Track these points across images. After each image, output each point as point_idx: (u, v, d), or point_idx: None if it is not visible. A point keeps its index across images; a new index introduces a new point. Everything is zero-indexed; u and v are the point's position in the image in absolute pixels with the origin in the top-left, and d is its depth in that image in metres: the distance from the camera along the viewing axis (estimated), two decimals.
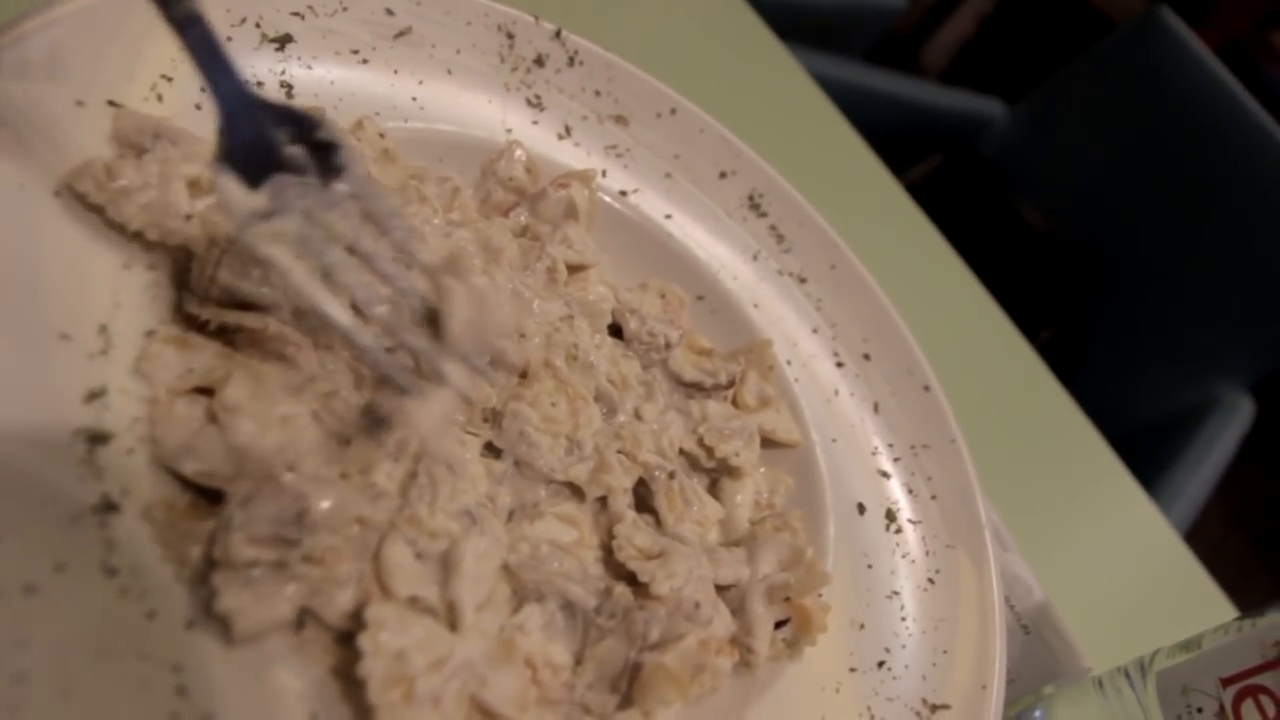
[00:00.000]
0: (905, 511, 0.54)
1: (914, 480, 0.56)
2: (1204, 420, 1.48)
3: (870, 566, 0.52)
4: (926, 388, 0.58)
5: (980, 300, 0.98)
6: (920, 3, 2.73)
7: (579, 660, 0.41)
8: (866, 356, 0.59)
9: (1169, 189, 1.55)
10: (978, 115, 1.67)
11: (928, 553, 0.53)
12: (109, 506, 0.35)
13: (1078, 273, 1.52)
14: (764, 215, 0.61)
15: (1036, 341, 0.99)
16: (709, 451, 0.51)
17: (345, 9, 0.52)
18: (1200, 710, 0.48)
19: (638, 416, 0.51)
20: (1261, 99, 1.49)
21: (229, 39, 0.48)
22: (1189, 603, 0.83)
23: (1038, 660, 0.58)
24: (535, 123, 0.57)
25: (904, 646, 0.49)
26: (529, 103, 0.58)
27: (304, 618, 0.36)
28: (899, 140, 1.33)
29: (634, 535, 0.46)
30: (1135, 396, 1.53)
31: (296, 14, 0.51)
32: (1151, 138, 1.55)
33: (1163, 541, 0.87)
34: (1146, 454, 1.22)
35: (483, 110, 0.56)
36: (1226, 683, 0.48)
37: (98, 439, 0.36)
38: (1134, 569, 0.82)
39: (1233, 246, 1.50)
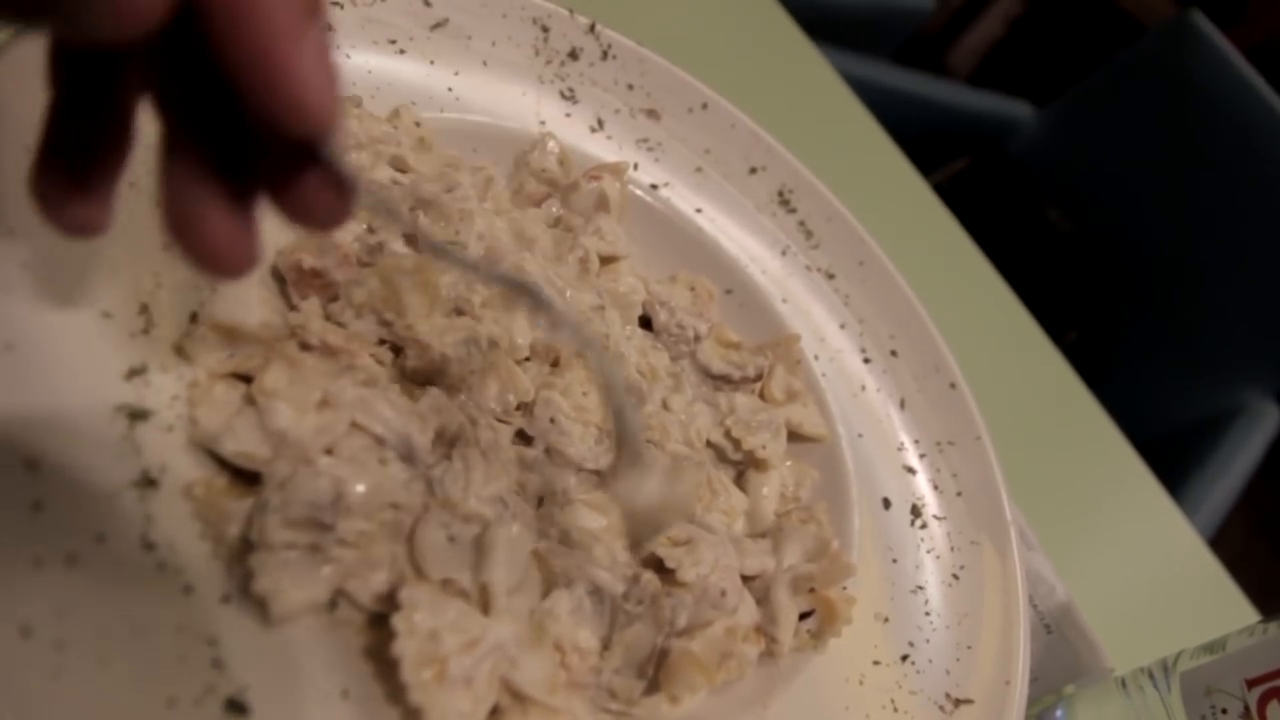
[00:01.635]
0: (930, 507, 0.54)
1: (939, 476, 0.56)
2: (1229, 427, 1.47)
3: (895, 561, 0.52)
4: (952, 385, 0.58)
5: (1006, 301, 0.97)
6: (949, 4, 2.73)
7: (606, 645, 0.42)
8: (893, 353, 0.59)
9: (1198, 193, 1.54)
10: (1006, 117, 1.66)
11: (953, 548, 0.53)
12: (148, 482, 0.35)
13: (1104, 275, 1.52)
14: (793, 211, 0.62)
15: (1062, 343, 0.99)
16: (736, 444, 0.51)
17: None
18: (1225, 711, 0.48)
19: (665, 407, 0.51)
20: None
21: None
22: (1212, 606, 0.82)
23: (1060, 659, 0.58)
24: (568, 115, 0.58)
25: (928, 641, 0.49)
26: (562, 95, 0.58)
27: (337, 598, 0.37)
28: (927, 141, 1.33)
29: None
30: (1160, 400, 1.52)
31: (336, 3, 0.51)
32: (1181, 142, 1.54)
33: (1186, 545, 0.86)
34: (1171, 458, 1.22)
35: (517, 102, 0.56)
36: (1251, 684, 0.48)
37: (138, 415, 0.37)
38: (1157, 572, 0.81)
39: (1262, 252, 1.50)
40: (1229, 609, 0.83)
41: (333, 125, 0.25)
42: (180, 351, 0.39)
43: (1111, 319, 1.27)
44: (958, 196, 1.16)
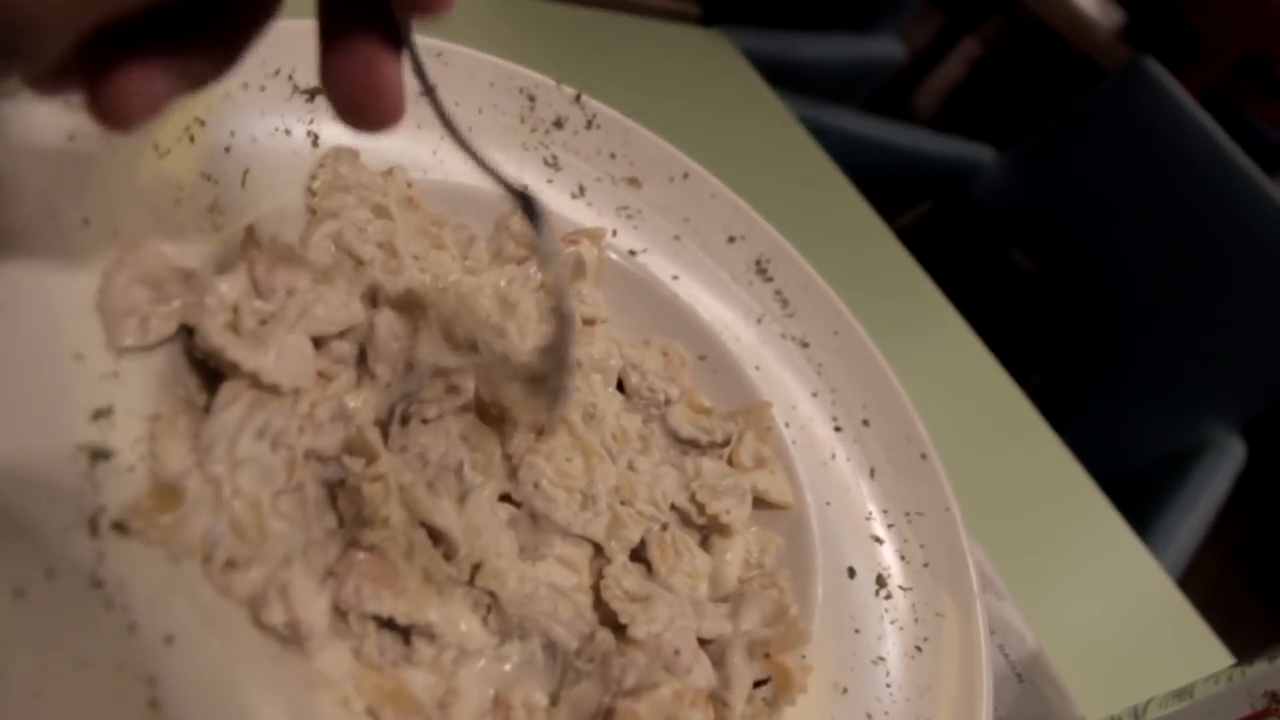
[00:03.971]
0: (896, 577, 0.54)
1: (907, 547, 0.56)
2: (1196, 462, 1.51)
3: (857, 631, 0.52)
4: (923, 455, 0.58)
5: (971, 346, 0.99)
6: (911, 47, 2.85)
7: (554, 702, 0.42)
8: (865, 422, 0.60)
9: (1158, 234, 1.64)
10: (969, 161, 1.74)
11: (917, 620, 0.53)
12: (102, 519, 0.36)
13: (1069, 316, 1.56)
14: (770, 280, 0.63)
15: (1028, 385, 1.00)
16: (700, 508, 0.52)
17: None
18: None
19: (632, 468, 0.51)
20: (1243, 142, 1.59)
21: (262, 88, 0.51)
22: (1182, 648, 0.82)
23: (1032, 709, 0.58)
24: (550, 181, 0.59)
25: (886, 713, 0.49)
26: (545, 162, 0.60)
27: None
28: (892, 185, 1.39)
29: (622, 578, 0.46)
30: (1127, 439, 1.60)
31: None
32: (1141, 184, 1.64)
33: (1156, 586, 0.86)
34: (1139, 496, 1.26)
35: (500, 167, 0.58)
36: None
37: (100, 455, 0.37)
38: (1126, 614, 0.81)
39: (1220, 289, 1.61)
40: (1199, 649, 0.83)
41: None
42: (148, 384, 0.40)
43: (1077, 359, 1.29)
44: (922, 239, 1.20)
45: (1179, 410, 1.57)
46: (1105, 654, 0.75)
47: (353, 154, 0.52)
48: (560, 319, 0.42)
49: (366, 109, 0.33)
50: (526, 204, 0.40)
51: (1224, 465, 1.44)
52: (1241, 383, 1.55)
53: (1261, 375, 1.53)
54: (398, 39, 0.34)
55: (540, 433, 0.46)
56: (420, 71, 0.36)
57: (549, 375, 0.44)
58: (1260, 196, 1.52)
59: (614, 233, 0.60)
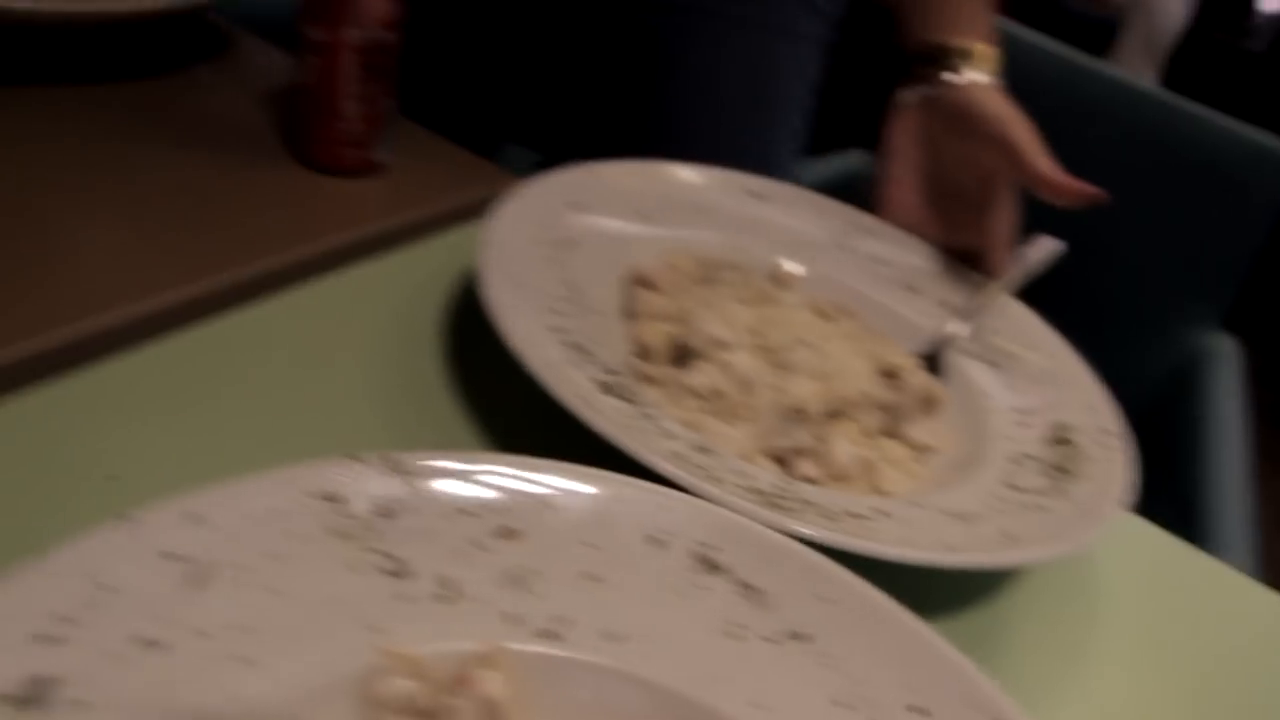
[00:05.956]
0: None
1: None
2: (1198, 376, 1.40)
3: None
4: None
5: None
6: None
7: None
8: (913, 709, 0.46)
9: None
10: (844, 173, 1.61)
11: None
12: None
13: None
14: (722, 571, 0.48)
15: None
16: None
17: None
18: None
19: None
20: (1070, 30, 1.54)
21: None
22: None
23: None
24: (401, 597, 0.44)
25: None
26: (385, 571, 0.44)
27: None
28: None
29: None
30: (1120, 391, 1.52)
31: None
32: None
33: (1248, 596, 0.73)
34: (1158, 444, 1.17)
35: (333, 625, 0.42)
36: None
37: None
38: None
39: (1132, 196, 1.52)
40: None
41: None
42: None
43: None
44: None
45: (1156, 334, 1.48)
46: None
47: None
48: None
49: None
50: None
51: (1224, 366, 1.34)
52: (1202, 278, 1.46)
53: (1212, 261, 1.44)
54: None
55: None
56: None
57: None
58: (1104, 81, 1.45)
59: (515, 621, 0.45)
